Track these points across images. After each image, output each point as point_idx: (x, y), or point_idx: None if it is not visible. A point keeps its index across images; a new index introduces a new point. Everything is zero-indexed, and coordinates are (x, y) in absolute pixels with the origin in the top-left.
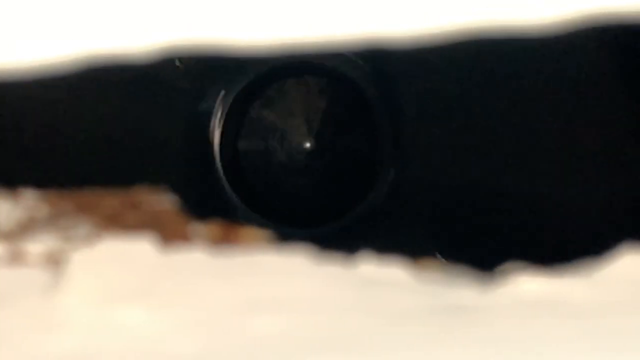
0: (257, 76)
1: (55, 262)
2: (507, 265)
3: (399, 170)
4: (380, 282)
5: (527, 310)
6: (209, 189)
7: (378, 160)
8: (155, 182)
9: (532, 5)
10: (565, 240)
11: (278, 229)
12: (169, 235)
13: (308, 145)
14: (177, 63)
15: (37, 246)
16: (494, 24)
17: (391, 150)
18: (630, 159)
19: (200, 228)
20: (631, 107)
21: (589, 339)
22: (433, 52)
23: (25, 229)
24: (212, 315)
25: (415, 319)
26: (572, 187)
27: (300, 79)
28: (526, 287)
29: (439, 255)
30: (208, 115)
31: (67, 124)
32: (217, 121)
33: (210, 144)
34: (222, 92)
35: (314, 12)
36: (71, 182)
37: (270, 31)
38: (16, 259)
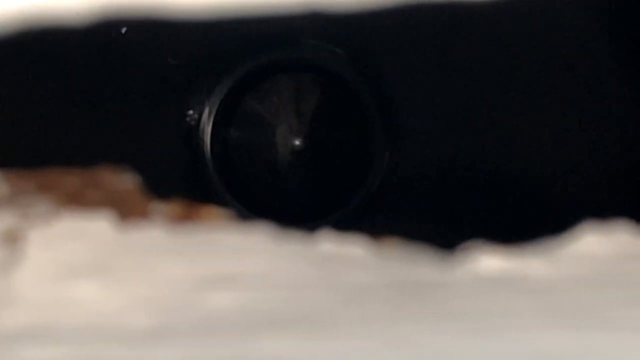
0: (248, 71)
1: (13, 240)
2: (469, 243)
3: (390, 160)
4: (339, 259)
5: (487, 287)
6: (174, 167)
7: (369, 152)
8: (117, 161)
9: None
10: (526, 217)
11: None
12: (130, 213)
13: (298, 141)
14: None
15: None
16: None
17: (382, 141)
18: (592, 138)
19: (161, 206)
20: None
21: (548, 315)
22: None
23: None
24: (169, 291)
25: (375, 295)
26: (536, 164)
27: (292, 74)
28: (487, 264)
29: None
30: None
31: (16, 99)
32: (207, 114)
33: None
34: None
35: None
36: (32, 161)
37: None
38: None
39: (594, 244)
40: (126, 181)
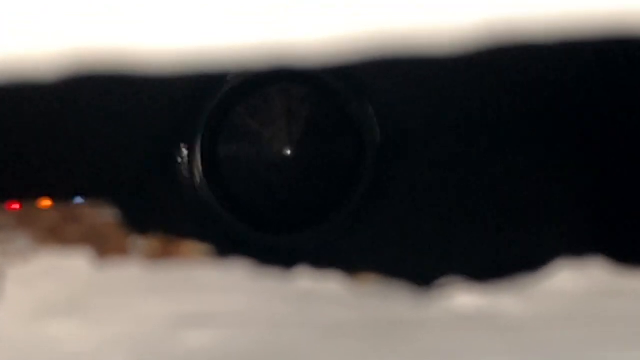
0: (239, 84)
1: None
2: (444, 280)
3: (379, 174)
4: (316, 296)
5: (462, 324)
6: (153, 203)
7: (359, 165)
8: (97, 196)
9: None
10: (501, 254)
11: (259, 235)
12: (108, 249)
13: (288, 152)
14: None
15: None
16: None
17: (373, 155)
18: (563, 177)
19: (140, 242)
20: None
21: (522, 352)
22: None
23: None
24: (146, 329)
25: (351, 332)
26: (510, 202)
27: (283, 86)
28: (462, 301)
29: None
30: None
31: None
32: (198, 128)
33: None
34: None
35: (233, 21)
36: (12, 196)
37: (189, 38)
38: None
39: (568, 281)
40: (105, 215)
